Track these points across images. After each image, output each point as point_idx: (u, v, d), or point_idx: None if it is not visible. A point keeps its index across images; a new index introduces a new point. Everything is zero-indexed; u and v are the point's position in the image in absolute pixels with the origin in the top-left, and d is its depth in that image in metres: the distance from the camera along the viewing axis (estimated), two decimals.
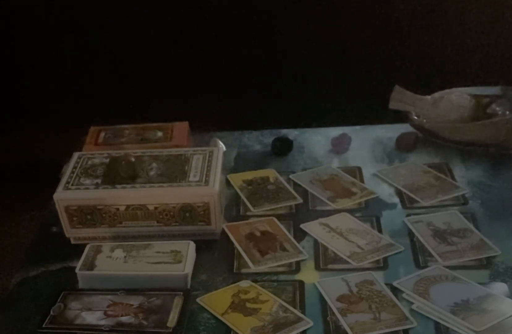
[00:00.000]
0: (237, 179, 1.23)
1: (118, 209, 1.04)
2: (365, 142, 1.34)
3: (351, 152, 1.31)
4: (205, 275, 1.00)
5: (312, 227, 1.09)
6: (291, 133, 1.38)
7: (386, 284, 0.95)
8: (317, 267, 1.00)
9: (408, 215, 1.11)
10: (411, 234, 1.06)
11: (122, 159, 1.09)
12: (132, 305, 0.91)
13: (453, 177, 1.21)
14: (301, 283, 0.97)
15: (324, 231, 1.08)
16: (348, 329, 0.87)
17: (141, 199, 1.04)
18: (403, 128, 1.34)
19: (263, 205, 1.15)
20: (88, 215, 1.05)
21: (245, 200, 1.17)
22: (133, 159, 1.08)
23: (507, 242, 1.03)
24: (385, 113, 1.31)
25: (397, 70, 1.89)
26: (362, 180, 1.21)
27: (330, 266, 1.00)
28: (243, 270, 1.01)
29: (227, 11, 1.93)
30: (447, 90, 1.36)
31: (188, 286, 0.97)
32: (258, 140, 1.38)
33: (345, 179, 1.22)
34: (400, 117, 1.33)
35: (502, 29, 1.89)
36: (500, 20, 1.87)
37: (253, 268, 1.00)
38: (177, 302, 0.91)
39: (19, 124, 2.09)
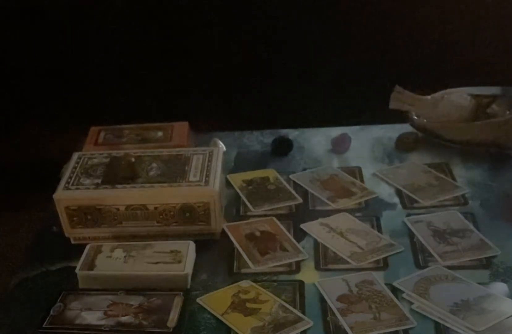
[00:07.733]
0: (237, 179, 1.23)
1: (118, 209, 1.04)
2: (365, 142, 1.34)
3: (351, 152, 1.31)
4: (205, 275, 1.00)
5: (312, 227, 1.09)
6: (291, 133, 1.38)
7: (386, 284, 0.95)
8: (317, 267, 1.00)
9: (408, 215, 1.11)
10: (411, 234, 1.06)
11: (122, 159, 1.09)
12: (132, 305, 0.91)
13: (453, 177, 1.21)
14: (301, 283, 0.97)
15: (324, 231, 1.08)
16: (348, 329, 0.87)
17: (141, 199, 1.04)
18: (403, 128, 1.34)
19: (263, 205, 1.15)
20: (88, 215, 1.05)
21: (245, 200, 1.17)
22: (133, 159, 1.08)
23: (507, 242, 1.03)
24: (385, 113, 1.31)
25: (397, 70, 1.89)
26: (362, 180, 1.21)
27: (330, 266, 1.00)
28: (243, 270, 1.01)
29: (228, 11, 1.93)
30: (447, 90, 1.36)
31: (188, 286, 0.97)
32: (258, 140, 1.38)
33: (345, 179, 1.22)
34: (400, 117, 1.33)
35: (502, 29, 1.89)
36: (500, 20, 1.87)
37: (253, 268, 1.00)
38: (177, 302, 0.91)
39: (19, 124, 2.09)
